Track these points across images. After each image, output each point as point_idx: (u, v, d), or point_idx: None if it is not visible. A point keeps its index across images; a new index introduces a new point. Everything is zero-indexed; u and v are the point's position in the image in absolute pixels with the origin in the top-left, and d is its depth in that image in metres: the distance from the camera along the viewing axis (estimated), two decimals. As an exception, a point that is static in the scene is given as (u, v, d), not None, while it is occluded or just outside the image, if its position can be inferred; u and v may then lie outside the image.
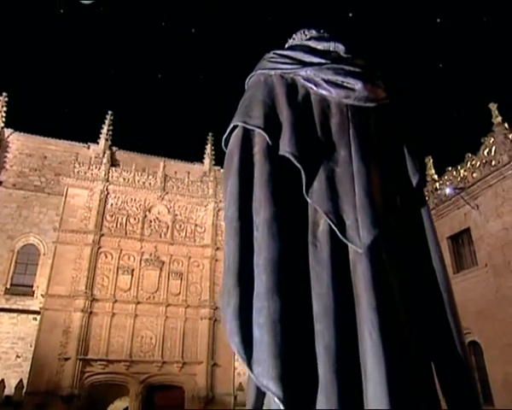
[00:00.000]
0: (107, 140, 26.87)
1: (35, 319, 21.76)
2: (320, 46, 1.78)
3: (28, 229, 24.26)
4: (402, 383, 1.23)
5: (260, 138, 1.55)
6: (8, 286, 23.00)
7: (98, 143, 26.80)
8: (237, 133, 1.61)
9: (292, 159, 1.47)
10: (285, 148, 1.50)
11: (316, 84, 1.65)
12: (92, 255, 20.83)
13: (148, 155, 27.80)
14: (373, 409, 1.18)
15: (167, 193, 23.62)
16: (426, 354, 1.40)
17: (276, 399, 1.15)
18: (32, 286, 23.48)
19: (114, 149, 27.14)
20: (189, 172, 26.71)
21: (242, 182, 1.49)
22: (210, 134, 30.11)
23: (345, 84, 1.65)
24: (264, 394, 1.24)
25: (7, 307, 22.29)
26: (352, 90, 1.64)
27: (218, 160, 29.69)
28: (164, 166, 24.36)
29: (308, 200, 1.47)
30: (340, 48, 1.76)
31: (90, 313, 19.77)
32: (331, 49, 1.77)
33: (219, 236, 24.18)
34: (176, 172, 26.42)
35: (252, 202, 1.46)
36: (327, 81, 1.65)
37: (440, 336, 1.46)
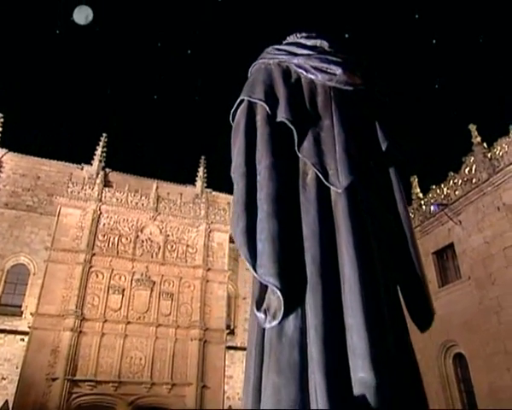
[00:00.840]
0: (100, 161, 27.20)
1: (22, 339, 21.47)
2: (309, 42, 2.23)
3: (19, 248, 24.18)
4: (372, 284, 1.60)
5: (262, 109, 1.97)
6: (-4, 306, 22.75)
7: (92, 165, 27.10)
8: (243, 106, 2.02)
9: (287, 123, 1.88)
10: (281, 115, 1.91)
11: (305, 70, 2.09)
12: (83, 274, 20.81)
13: (141, 176, 28.14)
14: (348, 299, 1.55)
15: (159, 214, 23.87)
16: (391, 272, 1.77)
17: (274, 288, 1.52)
18: (20, 306, 23.21)
19: (108, 170, 27.45)
20: (181, 194, 27.11)
21: (248, 141, 1.90)
22: (202, 157, 30.72)
23: (328, 70, 2.08)
24: (266, 288, 1.60)
25: (-6, 327, 21.99)
26: (334, 74, 2.07)
27: (210, 183, 30.21)
28: (157, 188, 24.71)
29: (299, 155, 1.87)
30: (325, 44, 2.21)
31: (80, 332, 19.62)
32: (318, 44, 2.21)
33: (210, 257, 24.39)
34: (168, 194, 26.75)
35: (255, 156, 1.86)
36: (314, 68, 2.08)
37: (403, 261, 1.84)
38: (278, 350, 1.52)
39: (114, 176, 27.67)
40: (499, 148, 13.19)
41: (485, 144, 14.14)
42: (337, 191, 1.77)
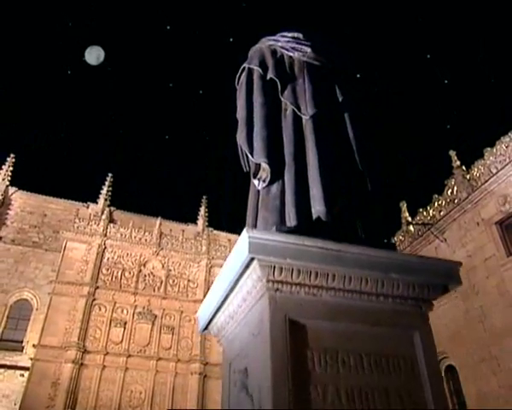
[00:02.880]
0: (106, 200, 28.24)
1: (22, 375, 21.49)
2: (289, 34, 3.24)
3: (23, 284, 24.65)
4: (327, 163, 2.49)
5: (257, 72, 2.94)
6: (-2, 341, 22.90)
7: (97, 203, 28.13)
8: (245, 71, 3.01)
9: (274, 78, 2.84)
10: (270, 73, 2.88)
11: (286, 49, 3.08)
12: (86, 307, 21.22)
13: (144, 215, 29.05)
14: (311, 172, 2.43)
15: (162, 249, 24.60)
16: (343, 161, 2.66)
17: (265, 165, 2.42)
18: (21, 342, 23.34)
19: (112, 208, 28.41)
20: (183, 231, 27.92)
21: (247, 91, 2.87)
22: (204, 197, 31.82)
23: (301, 50, 3.07)
24: (259, 166, 2.49)
25: (-5, 362, 22.05)
26: (305, 52, 3.06)
27: (212, 222, 31.07)
28: (160, 224, 25.59)
29: (282, 98, 2.82)
30: (300, 35, 3.21)
31: (81, 364, 19.75)
32: (295, 35, 3.22)
33: (211, 292, 24.84)
34: (171, 231, 27.55)
35: (252, 98, 2.81)
36: (292, 48, 3.08)
37: (349, 161, 2.72)
38: (266, 200, 2.39)
39: (119, 214, 28.60)
40: (476, 169, 14.62)
41: (463, 167, 15.62)
42: (306, 118, 2.70)
